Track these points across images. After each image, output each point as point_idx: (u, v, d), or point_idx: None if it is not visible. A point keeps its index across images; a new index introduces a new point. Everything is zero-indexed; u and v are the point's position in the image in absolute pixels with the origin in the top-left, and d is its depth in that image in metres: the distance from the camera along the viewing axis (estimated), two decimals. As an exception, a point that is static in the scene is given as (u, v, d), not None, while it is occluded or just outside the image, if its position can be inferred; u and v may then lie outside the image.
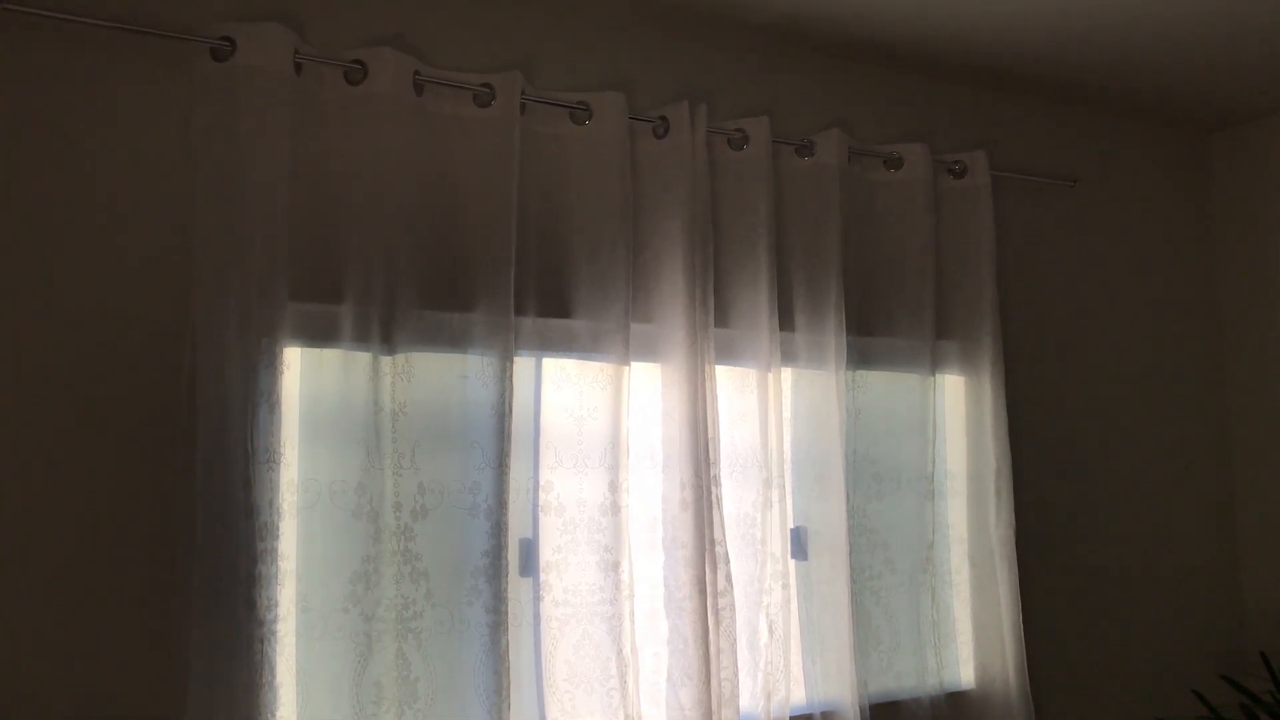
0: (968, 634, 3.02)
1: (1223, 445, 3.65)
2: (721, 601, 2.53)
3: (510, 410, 2.34)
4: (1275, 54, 3.08)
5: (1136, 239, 3.57)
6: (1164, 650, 3.42)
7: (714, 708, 2.49)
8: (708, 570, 2.52)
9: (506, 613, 2.29)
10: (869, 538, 2.86)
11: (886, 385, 2.95)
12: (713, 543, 2.53)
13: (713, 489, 2.55)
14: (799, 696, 2.72)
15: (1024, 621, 2.97)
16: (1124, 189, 3.57)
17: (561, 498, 2.46)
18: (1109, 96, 3.41)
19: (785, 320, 2.77)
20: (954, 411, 3.10)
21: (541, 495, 2.46)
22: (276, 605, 2.11)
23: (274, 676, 2.09)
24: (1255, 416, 3.59)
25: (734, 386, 2.72)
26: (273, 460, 2.13)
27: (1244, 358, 3.63)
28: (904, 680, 2.87)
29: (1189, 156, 3.74)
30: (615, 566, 2.45)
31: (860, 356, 2.89)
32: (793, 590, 2.70)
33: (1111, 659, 3.31)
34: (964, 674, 3.02)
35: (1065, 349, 3.37)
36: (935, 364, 2.97)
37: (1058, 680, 3.17)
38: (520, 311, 2.42)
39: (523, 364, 2.46)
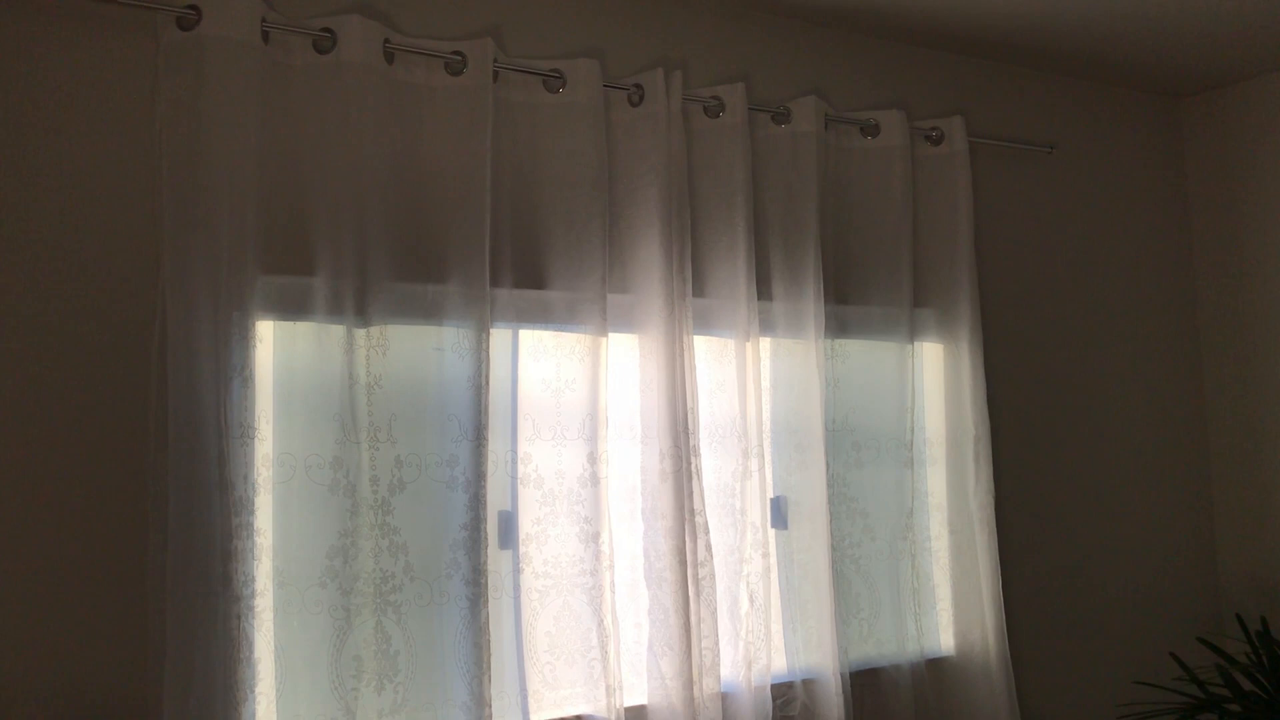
0: (947, 601, 3.03)
1: (1198, 409, 3.67)
2: (702, 571, 2.53)
3: (487, 382, 2.32)
4: (1246, 21, 3.08)
5: (1113, 204, 3.57)
6: (1142, 614, 3.44)
7: (695, 677, 2.49)
8: (688, 540, 2.52)
9: (486, 585, 2.28)
10: (848, 506, 2.86)
11: (865, 353, 2.94)
12: (692, 513, 2.53)
13: (692, 459, 2.54)
14: (780, 665, 2.73)
15: (1003, 587, 2.99)
16: (1100, 154, 3.57)
17: (540, 470, 2.45)
18: (1085, 63, 3.40)
19: (763, 289, 2.76)
20: (933, 379, 3.10)
21: (520, 467, 2.44)
22: (253, 580, 2.10)
23: (251, 652, 2.08)
24: (1230, 379, 3.61)
25: (712, 356, 2.71)
26: (247, 435, 2.11)
27: (1218, 322, 3.64)
28: (884, 647, 2.89)
29: (1163, 122, 3.74)
30: (595, 538, 2.45)
31: (838, 325, 2.88)
32: (773, 559, 2.70)
33: (1090, 623, 3.34)
34: (944, 640, 3.04)
35: (1043, 315, 3.37)
36: (914, 332, 2.96)
37: (1037, 645, 3.19)
38: (496, 283, 2.40)
39: (499, 336, 2.44)
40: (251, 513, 2.11)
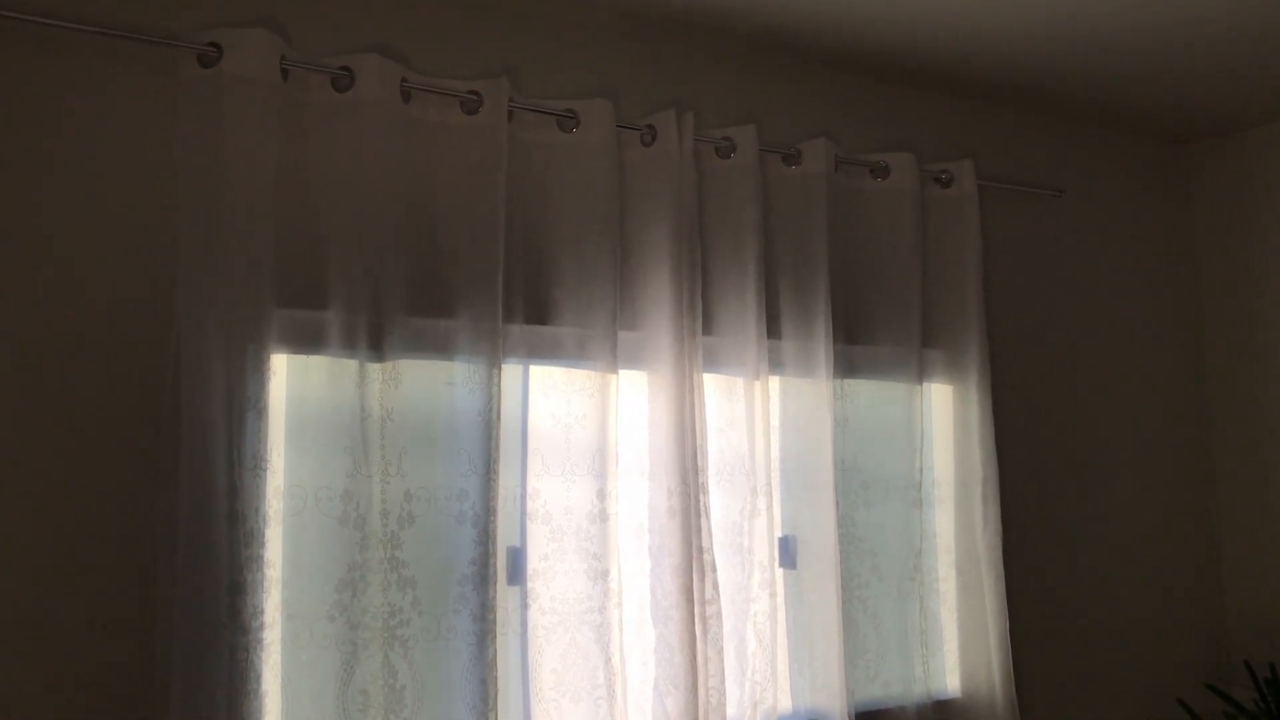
0: (954, 642, 3.02)
1: (1205, 453, 3.66)
2: (709, 610, 2.52)
3: (498, 417, 2.33)
4: (1254, 68, 3.11)
5: (1121, 249, 3.59)
6: (1149, 659, 3.42)
7: (700, 716, 2.48)
8: (695, 578, 2.51)
9: (494, 621, 2.28)
10: (856, 546, 2.86)
11: (874, 393, 2.95)
12: (700, 550, 2.53)
13: (700, 497, 2.54)
14: (785, 705, 2.72)
15: (1010, 629, 2.97)
16: (1108, 199, 3.59)
17: (549, 505, 2.45)
18: (1094, 108, 3.43)
19: (773, 328, 2.77)
20: (941, 420, 3.10)
21: (529, 503, 2.45)
22: (262, 613, 2.10)
23: (259, 685, 2.08)
24: (1237, 425, 3.61)
25: (721, 394, 2.72)
26: (259, 467, 2.12)
27: (1226, 367, 3.65)
28: (891, 688, 2.87)
29: (1171, 168, 3.76)
30: (604, 575, 2.44)
31: (847, 365, 2.89)
32: (780, 599, 2.70)
33: (1097, 667, 3.32)
34: (950, 682, 3.02)
35: (1051, 358, 3.38)
36: (922, 372, 2.97)
37: (1043, 688, 3.17)
38: (508, 319, 2.42)
39: (510, 371, 2.45)
40: (262, 545, 2.11)
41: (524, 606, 2.42)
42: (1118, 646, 3.37)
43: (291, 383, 2.24)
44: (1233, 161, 3.67)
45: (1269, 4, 2.71)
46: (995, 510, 3.00)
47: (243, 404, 2.11)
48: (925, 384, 3.00)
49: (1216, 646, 3.57)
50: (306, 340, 2.24)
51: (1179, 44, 2.94)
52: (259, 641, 2.08)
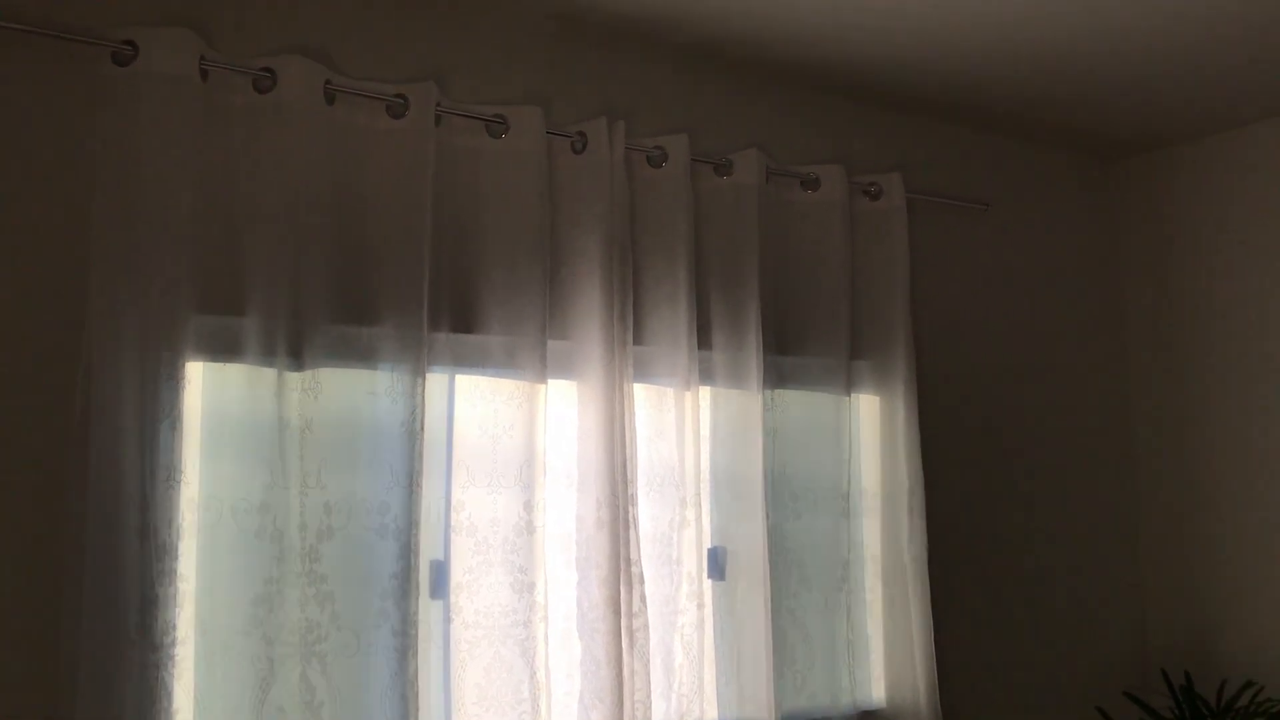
0: (880, 652, 3.04)
1: (1128, 466, 3.73)
2: (636, 622, 2.50)
3: (422, 428, 2.29)
4: (1176, 89, 3.17)
5: (1045, 262, 3.64)
6: (1071, 668, 3.47)
7: (627, 730, 2.46)
8: (623, 590, 2.49)
9: (416, 636, 2.24)
10: (785, 557, 2.85)
11: (803, 404, 2.95)
12: (629, 562, 2.51)
13: (629, 508, 2.53)
14: (712, 716, 2.70)
15: (935, 640, 2.99)
16: (1034, 213, 3.64)
17: (474, 517, 2.41)
18: (1021, 124, 3.48)
19: (704, 338, 2.76)
20: (869, 431, 3.11)
21: (454, 515, 2.41)
22: (175, 629, 2.04)
23: (170, 702, 2.03)
24: (1159, 438, 3.68)
25: (652, 404, 2.70)
26: (173, 478, 2.07)
27: (1148, 380, 3.72)
28: (817, 699, 2.87)
29: (1096, 182, 3.82)
30: (530, 588, 2.41)
31: (777, 375, 2.89)
32: (708, 610, 2.69)
33: (1020, 676, 3.35)
34: (876, 692, 3.03)
35: (977, 370, 3.41)
36: (851, 383, 2.98)
37: (967, 698, 3.20)
38: (434, 327, 2.38)
39: (435, 380, 2.41)
40: (175, 559, 2.05)
41: (447, 621, 2.38)
42: (1040, 656, 3.41)
43: (207, 391, 2.18)
44: (1155, 177, 3.74)
45: (1190, 28, 2.77)
46: (921, 521, 3.02)
47: (156, 413, 2.05)
48: (854, 395, 3.02)
49: (1137, 655, 3.63)
50: (224, 348, 2.19)
51: (1105, 63, 3.00)
52: (170, 658, 2.03)
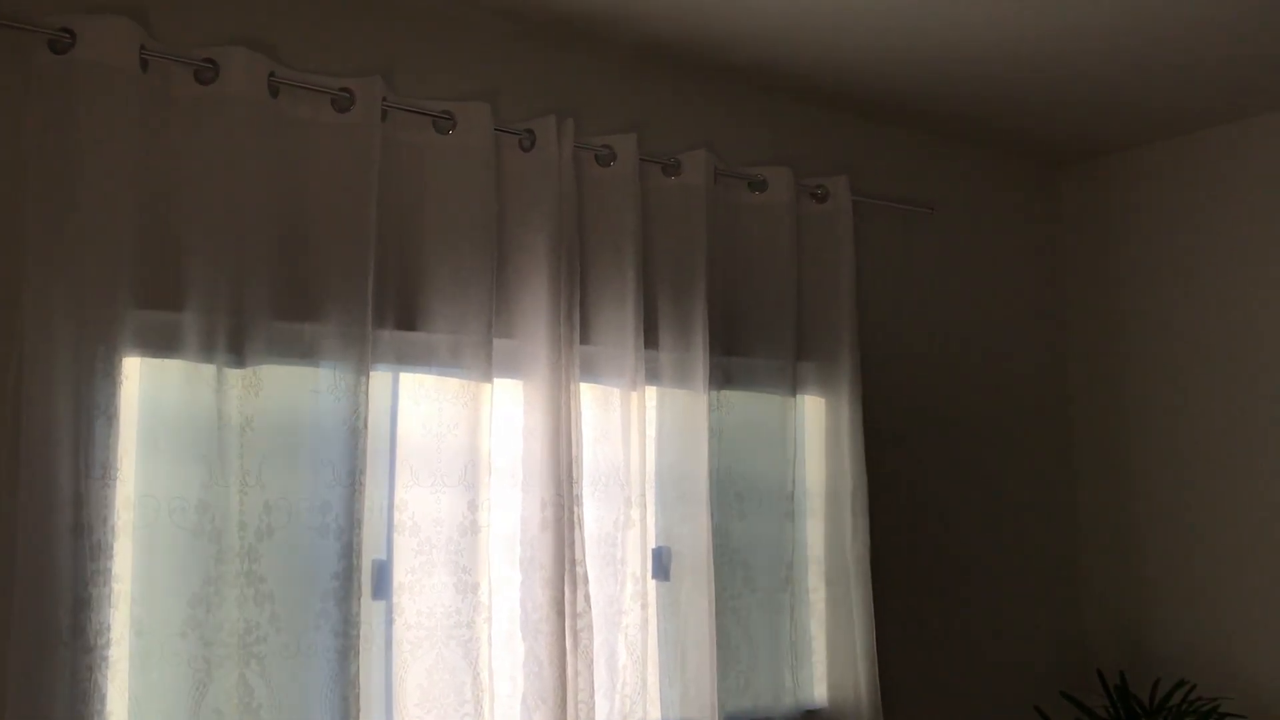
0: (823, 653, 3.05)
1: (1068, 468, 3.78)
2: (580, 623, 2.49)
3: (365, 426, 2.27)
4: (1119, 95, 3.23)
5: (989, 265, 3.68)
6: (1009, 668, 3.51)
7: (570, 731, 2.45)
8: (567, 591, 2.48)
9: (357, 637, 2.21)
10: (730, 557, 2.86)
11: (749, 405, 2.96)
12: (573, 563, 2.50)
13: (574, 508, 2.51)
14: (655, 717, 2.70)
15: (877, 640, 3.01)
16: (978, 217, 3.68)
17: (417, 517, 2.39)
18: (967, 128, 3.52)
19: (650, 338, 2.76)
20: (813, 431, 3.13)
21: (397, 514, 2.38)
22: (109, 630, 2.00)
23: (104, 705, 1.98)
24: (1098, 440, 3.74)
25: (598, 404, 2.70)
26: (108, 475, 2.02)
27: (1088, 383, 3.78)
28: (760, 700, 2.88)
29: (1039, 188, 3.88)
30: (474, 588, 2.39)
31: (724, 376, 2.90)
32: (652, 610, 2.69)
33: (960, 676, 3.39)
34: (819, 692, 3.05)
35: (921, 371, 3.45)
36: (796, 384, 3.00)
37: (908, 698, 3.23)
38: (378, 324, 2.35)
39: (379, 378, 2.38)
40: (110, 558, 2.00)
41: (389, 621, 2.36)
42: (979, 656, 3.45)
43: (145, 387, 2.14)
44: (1098, 183, 3.80)
45: (1136, 37, 2.82)
46: (864, 522, 3.04)
47: (91, 408, 2.00)
48: (799, 396, 3.03)
49: (1073, 656, 3.69)
50: (163, 343, 2.14)
51: (1051, 69, 3.04)
52: (104, 660, 1.98)
